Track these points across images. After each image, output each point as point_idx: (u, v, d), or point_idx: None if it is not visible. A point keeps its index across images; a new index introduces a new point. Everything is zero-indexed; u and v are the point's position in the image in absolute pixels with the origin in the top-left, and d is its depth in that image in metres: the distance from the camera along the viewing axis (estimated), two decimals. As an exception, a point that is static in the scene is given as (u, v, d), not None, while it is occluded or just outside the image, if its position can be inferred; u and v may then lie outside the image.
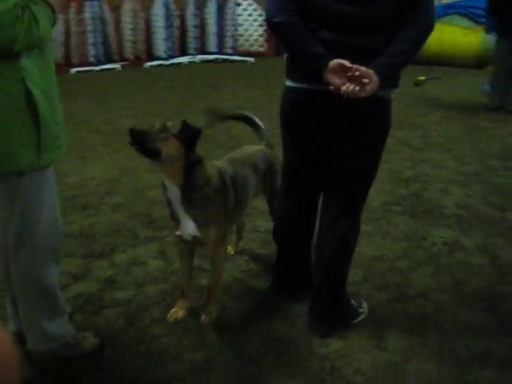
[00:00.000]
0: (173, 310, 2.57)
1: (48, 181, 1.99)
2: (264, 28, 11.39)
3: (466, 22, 10.44)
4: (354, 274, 2.81)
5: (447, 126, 6.30)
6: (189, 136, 2.18)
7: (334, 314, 2.48)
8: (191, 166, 2.22)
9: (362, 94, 1.97)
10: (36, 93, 1.80)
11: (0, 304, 2.63)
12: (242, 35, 11.38)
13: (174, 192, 2.26)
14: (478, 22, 10.41)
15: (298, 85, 2.21)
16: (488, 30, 7.32)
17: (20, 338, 2.24)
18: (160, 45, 10.47)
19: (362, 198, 2.40)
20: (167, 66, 10.34)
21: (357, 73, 1.95)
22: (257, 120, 3.06)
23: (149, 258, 3.13)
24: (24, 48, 1.73)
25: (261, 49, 11.61)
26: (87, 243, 3.29)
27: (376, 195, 3.91)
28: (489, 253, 3.28)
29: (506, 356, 2.36)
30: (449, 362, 2.31)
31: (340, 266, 2.44)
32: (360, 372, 2.23)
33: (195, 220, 2.31)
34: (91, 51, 9.56)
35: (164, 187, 2.30)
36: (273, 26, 2.11)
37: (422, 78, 8.55)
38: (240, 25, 11.19)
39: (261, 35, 11.53)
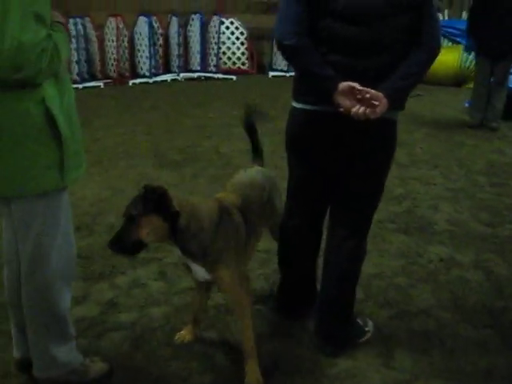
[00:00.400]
0: (181, 332, 2.55)
1: (65, 203, 2.00)
2: (246, 46, 11.49)
3: (445, 42, 10.70)
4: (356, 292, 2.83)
5: (431, 143, 6.42)
6: (156, 201, 1.96)
7: (341, 334, 2.50)
8: (174, 222, 2.01)
9: (372, 116, 2.01)
10: (56, 112, 1.80)
11: (0, 330, 2.60)
12: (224, 53, 11.45)
13: (175, 248, 2.13)
14: (455, 42, 10.70)
15: (307, 106, 2.24)
16: (467, 50, 7.49)
17: (26, 365, 2.21)
18: (144, 63, 10.47)
19: (369, 219, 2.43)
20: (151, 83, 10.35)
21: (367, 95, 1.99)
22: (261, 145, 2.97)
23: (149, 279, 3.11)
24: (45, 79, 1.75)
25: (243, 67, 11.70)
26: (85, 265, 3.26)
27: (370, 213, 3.96)
28: (484, 269, 3.34)
29: (510, 371, 2.40)
30: (455, 379, 2.34)
31: (348, 287, 2.46)
32: (370, 391, 2.25)
33: (203, 266, 2.16)
34: (75, 69, 9.51)
35: None
36: (283, 49, 2.14)
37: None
38: (223, 43, 11.26)
39: (243, 53, 11.62)
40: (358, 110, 2.01)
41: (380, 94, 2.01)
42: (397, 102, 2.12)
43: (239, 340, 2.55)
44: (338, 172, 2.33)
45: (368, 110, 2.00)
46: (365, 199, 2.36)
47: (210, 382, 2.29)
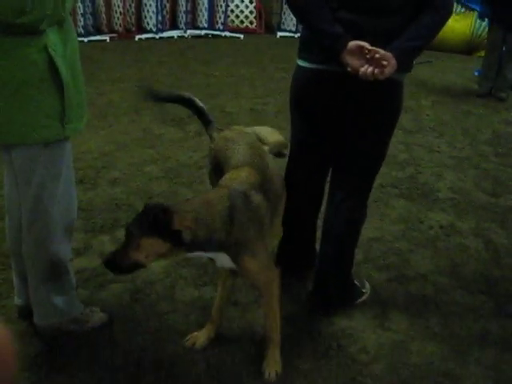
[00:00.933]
0: (194, 333, 2.29)
1: (67, 154, 1.98)
2: (254, 5, 11.29)
3: (458, 8, 10.49)
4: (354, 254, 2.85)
5: (438, 110, 6.35)
6: (154, 223, 1.76)
7: (338, 295, 2.52)
8: (179, 239, 1.80)
9: (381, 77, 1.97)
10: (58, 60, 1.77)
11: (3, 278, 2.63)
12: (232, 11, 11.26)
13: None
14: (469, 9, 10.47)
15: (313, 65, 2.20)
16: (481, 17, 7.35)
17: (27, 313, 2.25)
18: (150, 17, 10.31)
19: (370, 181, 2.42)
20: (157, 39, 10.21)
21: (377, 55, 1.95)
22: (198, 102, 2.54)
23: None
24: (48, 26, 1.73)
25: (251, 26, 11.52)
26: (87, 218, 3.27)
27: (373, 177, 3.95)
28: (483, 237, 3.35)
29: (504, 337, 2.44)
30: (449, 343, 2.38)
31: (347, 249, 2.48)
32: (365, 351, 2.29)
33: (228, 255, 1.94)
34: (80, 22, 9.37)
35: None
36: (293, 4, 2.10)
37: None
38: (231, 1, 11.06)
39: (251, 12, 11.42)
40: (367, 69, 1.97)
41: (389, 54, 1.97)
42: (405, 63, 2.08)
43: (237, 295, 2.59)
44: (342, 132, 2.30)
45: (377, 70, 1.96)
46: (366, 161, 2.34)
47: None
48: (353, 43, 1.98)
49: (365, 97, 2.16)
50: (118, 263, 1.81)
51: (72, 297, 2.24)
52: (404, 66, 2.09)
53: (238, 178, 2.05)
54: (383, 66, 1.96)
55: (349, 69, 2.01)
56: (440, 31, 2.14)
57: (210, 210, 1.87)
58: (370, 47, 1.96)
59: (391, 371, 2.19)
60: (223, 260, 1.96)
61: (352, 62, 1.99)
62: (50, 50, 1.75)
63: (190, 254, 1.91)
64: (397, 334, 2.41)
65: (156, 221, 1.75)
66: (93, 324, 2.29)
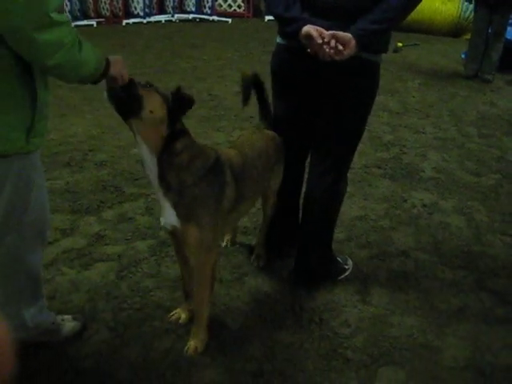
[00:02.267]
0: (178, 309, 2.33)
1: (36, 164, 1.83)
2: (242, -12, 11.24)
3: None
4: (338, 233, 2.90)
5: (425, 92, 6.39)
6: (178, 102, 1.83)
7: (320, 270, 2.57)
8: (173, 138, 1.85)
9: (338, 58, 1.98)
10: (35, 71, 1.61)
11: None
12: (220, -5, 11.21)
13: (152, 168, 1.88)
14: (456, -10, 10.48)
15: (286, 42, 2.24)
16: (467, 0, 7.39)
17: None
18: (137, 2, 10.24)
19: (347, 157, 2.44)
20: (145, 24, 10.15)
21: (332, 42, 1.95)
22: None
23: (136, 214, 3.16)
24: None
25: (239, 10, 11.47)
26: (73, 199, 3.30)
27: (357, 158, 3.98)
28: (465, 215, 3.41)
29: (481, 310, 2.50)
30: (429, 316, 2.44)
31: (326, 222, 2.52)
32: (347, 324, 2.34)
33: (175, 207, 1.93)
34: (67, 6, 9.29)
35: (142, 162, 1.92)
36: None
37: (400, 44, 8.60)
38: (219, -16, 11.01)
39: (239, -4, 11.37)
40: (323, 52, 1.98)
41: (348, 37, 1.96)
42: (368, 45, 2.07)
43: (221, 273, 2.63)
44: (317, 108, 2.33)
45: (332, 52, 1.97)
46: (342, 137, 2.36)
47: (193, 312, 2.36)
48: (305, 29, 1.98)
49: (335, 75, 2.17)
50: (120, 92, 1.77)
51: (42, 307, 2.11)
52: (368, 47, 2.08)
53: (228, 152, 2.20)
54: (337, 48, 1.96)
55: (308, 50, 2.02)
56: (409, 14, 2.12)
57: (202, 151, 1.97)
58: (318, 39, 1.95)
59: (372, 343, 2.25)
60: (169, 213, 1.94)
61: (309, 43, 2.00)
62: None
63: (154, 173, 1.89)
64: (377, 308, 2.46)
65: (185, 101, 1.84)
66: (65, 334, 2.19)
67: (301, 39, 2.01)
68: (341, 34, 1.96)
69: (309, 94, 2.29)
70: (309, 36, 1.98)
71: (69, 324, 2.21)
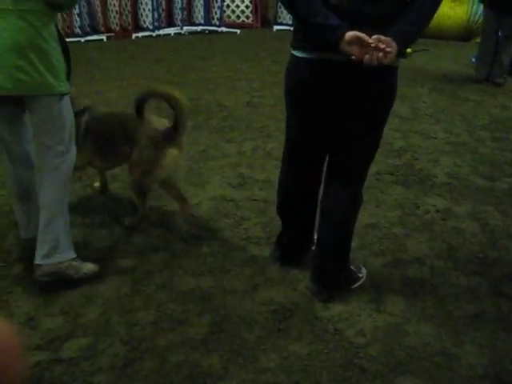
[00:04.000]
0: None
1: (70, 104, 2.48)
2: (250, -1, 11.29)
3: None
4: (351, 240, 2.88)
5: (435, 97, 6.36)
6: None
7: (336, 281, 2.55)
8: None
9: (385, 62, 1.98)
10: (62, 35, 2.37)
11: (3, 274, 2.67)
12: (228, 6, 11.26)
13: None
14: (464, -5, 10.44)
15: (311, 55, 2.18)
16: (481, 1, 7.32)
17: (31, 248, 2.55)
18: (146, 16, 10.33)
19: (365, 168, 2.44)
20: (154, 37, 10.23)
21: (381, 45, 1.95)
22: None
23: (149, 226, 3.16)
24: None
25: (247, 20, 11.51)
26: (85, 213, 3.31)
27: (369, 165, 3.97)
28: (480, 220, 3.38)
29: (498, 316, 2.47)
30: (445, 324, 2.41)
31: (344, 236, 2.50)
32: (362, 334, 2.32)
33: None
34: (76, 22, 9.40)
35: None
36: (283, 3, 2.11)
37: (410, 49, 8.57)
38: (227, -4, 11.07)
39: (247, 6, 11.42)
40: (371, 56, 1.97)
41: (389, 39, 1.97)
42: (405, 47, 2.09)
43: (235, 284, 2.63)
44: (338, 122, 2.32)
45: (380, 55, 1.96)
46: (362, 148, 2.36)
47: (207, 323, 2.36)
48: (350, 34, 1.97)
49: (363, 84, 2.16)
50: None
51: (70, 238, 2.55)
52: (404, 49, 2.11)
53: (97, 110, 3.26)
54: (386, 51, 1.97)
55: (352, 57, 2.00)
56: (433, 17, 2.16)
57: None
58: (369, 40, 1.95)
59: (387, 353, 2.22)
60: None
61: (353, 51, 1.98)
62: (58, 27, 2.36)
63: None
64: (393, 316, 2.44)
65: None
66: (86, 272, 2.57)
67: (343, 46, 1.99)
68: (383, 37, 1.96)
69: (330, 106, 2.26)
70: (357, 40, 1.96)
71: (89, 264, 2.62)
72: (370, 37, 1.96)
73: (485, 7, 6.87)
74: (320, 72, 2.19)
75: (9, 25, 2.15)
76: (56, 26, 2.32)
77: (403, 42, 2.05)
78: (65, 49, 2.38)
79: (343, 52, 2.00)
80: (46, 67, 2.25)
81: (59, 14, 2.47)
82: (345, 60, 2.03)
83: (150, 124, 3.03)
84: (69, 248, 2.53)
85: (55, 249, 2.45)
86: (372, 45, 1.95)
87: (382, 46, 1.95)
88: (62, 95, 2.36)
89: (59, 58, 2.32)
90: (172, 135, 2.94)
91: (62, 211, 2.49)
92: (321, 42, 2.09)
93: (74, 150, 2.52)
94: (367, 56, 1.97)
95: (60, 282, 2.51)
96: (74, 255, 2.55)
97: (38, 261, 2.46)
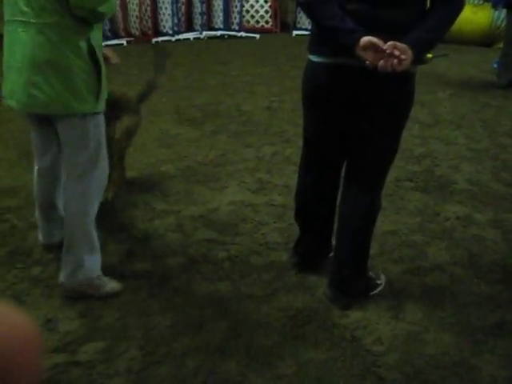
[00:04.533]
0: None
1: (102, 125, 2.39)
2: (269, 4, 11.30)
3: (476, 0, 10.37)
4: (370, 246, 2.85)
5: (456, 103, 6.30)
6: None
7: (355, 287, 2.53)
8: None
9: (399, 69, 1.96)
10: (97, 50, 2.21)
11: (23, 276, 2.69)
12: (248, 11, 11.28)
13: None
14: (487, 0, 10.34)
15: (327, 60, 2.19)
16: (494, 6, 7.24)
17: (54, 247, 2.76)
18: (166, 20, 10.39)
19: (383, 174, 2.42)
20: (173, 42, 10.29)
21: (396, 52, 1.94)
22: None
23: (167, 231, 3.17)
24: (105, 19, 2.25)
25: (266, 25, 11.53)
26: (104, 217, 3.32)
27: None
28: (501, 228, 3.33)
29: (520, 327, 2.42)
30: (465, 333, 2.37)
31: (362, 242, 2.48)
32: (380, 342, 2.29)
33: None
34: (97, 27, 9.49)
35: None
36: (301, 6, 2.11)
37: (430, 55, 8.50)
38: (246, 1, 11.08)
39: (266, 11, 11.44)
40: (386, 62, 1.96)
41: (405, 46, 1.96)
42: (421, 54, 2.07)
43: (253, 289, 2.62)
44: (355, 126, 2.31)
45: (395, 62, 1.96)
46: (380, 154, 2.34)
47: (224, 329, 2.35)
48: (365, 39, 1.96)
49: (379, 89, 2.15)
50: None
51: (98, 258, 2.53)
52: (420, 57, 2.09)
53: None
54: (400, 58, 1.96)
55: (367, 62, 1.99)
56: (453, 24, 2.14)
57: None
58: (383, 46, 1.94)
59: (406, 361, 2.19)
60: None
61: (368, 56, 1.98)
62: (92, 41, 2.18)
63: None
64: (412, 324, 2.41)
65: None
66: (108, 291, 2.53)
67: (358, 51, 1.98)
68: (399, 44, 1.95)
69: (347, 112, 2.26)
70: (372, 45, 1.95)
71: (112, 283, 2.57)
72: (386, 43, 1.95)
73: (508, 12, 6.79)
74: (336, 76, 2.19)
75: (30, 39, 2.11)
76: (88, 42, 2.17)
77: (419, 49, 2.03)
78: (97, 67, 2.22)
79: (358, 57, 2.00)
80: (64, 85, 2.16)
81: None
82: (360, 65, 2.02)
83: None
84: (93, 266, 2.50)
85: (78, 269, 2.46)
86: (387, 51, 1.94)
87: (397, 52, 1.94)
88: (84, 115, 2.26)
89: (85, 76, 2.19)
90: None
91: (85, 231, 2.44)
92: (336, 46, 2.10)
93: (101, 167, 2.42)
94: (382, 62, 1.96)
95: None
96: (98, 273, 2.53)
97: (61, 278, 2.49)
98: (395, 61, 1.95)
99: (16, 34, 2.15)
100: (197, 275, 2.73)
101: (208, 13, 11.12)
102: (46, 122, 2.39)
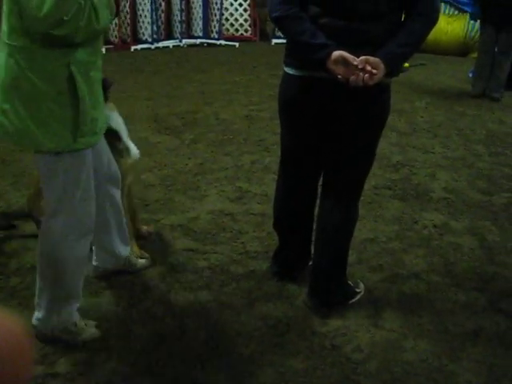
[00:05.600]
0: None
1: (86, 163, 2.07)
2: (249, 13, 11.35)
3: (451, 10, 10.54)
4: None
5: (433, 112, 6.38)
6: None
7: (334, 296, 2.55)
8: None
9: (371, 83, 2.01)
10: (78, 78, 1.88)
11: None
12: (227, 20, 11.32)
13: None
14: (461, 10, 10.51)
15: (300, 72, 2.22)
16: (473, 18, 7.40)
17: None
18: (145, 28, 10.37)
19: (360, 184, 2.45)
20: (153, 49, 10.27)
21: (368, 67, 1.98)
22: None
23: (146, 240, 3.15)
24: (84, 40, 1.84)
25: (246, 34, 11.57)
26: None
27: (367, 179, 3.97)
28: (477, 235, 3.38)
29: (496, 333, 2.46)
30: (443, 340, 2.40)
31: (340, 252, 2.51)
32: (359, 349, 2.31)
33: None
34: (75, 34, 9.42)
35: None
36: (273, 21, 2.16)
37: (407, 64, 8.60)
38: (226, 9, 11.12)
39: (246, 20, 11.48)
40: (357, 77, 2.00)
41: (378, 61, 2.00)
42: (394, 68, 2.11)
43: (232, 299, 2.62)
44: (330, 137, 2.33)
45: (366, 76, 1.99)
46: (356, 164, 2.37)
47: (203, 338, 2.35)
48: (336, 54, 2.00)
49: (353, 101, 2.18)
50: None
51: (75, 305, 2.28)
52: (393, 71, 2.13)
53: None
54: (372, 73, 2.00)
55: (339, 76, 2.03)
56: (426, 37, 2.18)
57: None
58: (354, 61, 1.98)
59: (385, 369, 2.22)
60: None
61: (339, 70, 2.01)
62: (72, 67, 1.86)
63: None
64: (390, 332, 2.43)
65: None
66: (84, 338, 2.28)
67: (329, 66, 2.01)
68: (371, 58, 1.99)
69: (322, 123, 2.29)
70: (343, 60, 1.99)
71: (89, 330, 2.31)
72: (358, 57, 1.98)
73: (482, 22, 6.92)
74: (310, 89, 2.22)
75: (3, 61, 1.88)
76: (68, 68, 1.85)
77: (392, 63, 2.07)
78: (75, 97, 1.90)
79: (329, 71, 2.03)
80: (31, 117, 1.89)
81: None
82: (332, 78, 2.05)
83: None
84: (68, 314, 2.25)
85: (51, 315, 2.22)
86: (359, 66, 1.97)
87: (369, 68, 1.98)
88: (57, 153, 1.96)
89: (57, 108, 1.89)
90: None
91: (57, 278, 2.17)
92: (308, 60, 2.12)
93: (64, 215, 2.09)
94: (353, 77, 1.99)
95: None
96: (74, 320, 2.27)
97: (33, 321, 2.25)
98: (366, 75, 1.98)
99: None
100: (176, 284, 2.72)
101: (187, 21, 11.12)
102: None
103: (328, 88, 2.15)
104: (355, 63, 1.98)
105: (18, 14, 1.77)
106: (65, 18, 1.71)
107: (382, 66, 2.01)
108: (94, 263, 2.66)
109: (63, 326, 2.24)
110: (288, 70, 2.29)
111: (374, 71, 1.99)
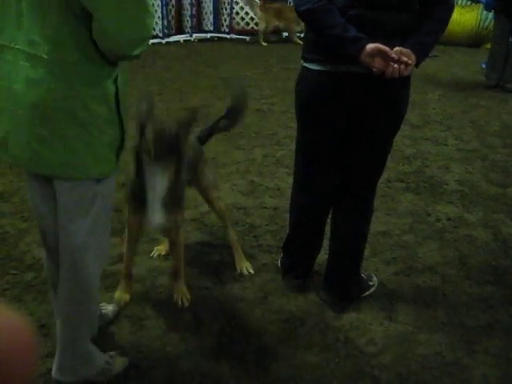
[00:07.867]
0: (119, 292, 2.54)
1: (113, 187, 1.86)
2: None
3: (464, 1, 10.44)
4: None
5: (445, 104, 6.34)
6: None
7: (349, 291, 2.54)
8: None
9: (406, 73, 2.01)
10: (121, 92, 1.67)
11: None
12: (238, 13, 11.29)
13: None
14: (474, 1, 10.41)
15: (326, 67, 2.16)
16: (487, 9, 7.31)
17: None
18: (156, 23, 10.38)
19: (376, 182, 2.45)
20: (163, 44, 10.27)
21: (404, 58, 1.97)
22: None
23: (159, 234, 3.16)
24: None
25: (256, 27, 11.52)
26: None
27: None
28: (492, 228, 3.35)
29: (511, 326, 2.44)
30: (457, 333, 2.39)
31: (356, 246, 2.50)
32: (373, 342, 2.31)
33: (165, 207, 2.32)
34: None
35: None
36: (300, 16, 2.10)
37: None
38: (236, 3, 11.09)
39: (256, 14, 11.44)
40: (394, 68, 1.98)
41: (409, 51, 2.00)
42: (423, 57, 2.09)
43: (246, 293, 2.62)
44: (351, 133, 2.30)
45: (402, 67, 1.98)
46: (375, 159, 2.36)
47: (217, 332, 2.35)
48: (372, 47, 1.97)
49: (382, 93, 2.16)
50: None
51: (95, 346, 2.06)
52: (422, 60, 2.11)
53: None
54: (407, 63, 1.99)
55: (374, 69, 2.01)
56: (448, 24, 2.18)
57: None
58: (392, 53, 1.97)
59: (399, 362, 2.21)
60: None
61: (374, 63, 1.99)
62: (117, 82, 1.65)
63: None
64: (404, 325, 2.42)
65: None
66: (116, 371, 2.10)
67: (364, 59, 1.99)
68: (404, 49, 1.99)
69: (344, 119, 2.24)
70: (379, 52, 1.97)
71: (118, 360, 2.13)
72: (390, 48, 1.97)
73: (496, 13, 6.85)
74: (338, 84, 2.17)
75: (39, 78, 1.54)
76: (115, 83, 1.63)
77: (421, 53, 2.06)
78: (121, 115, 1.68)
79: (364, 64, 2.00)
80: (81, 142, 1.62)
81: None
82: (361, 71, 2.04)
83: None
84: (96, 356, 2.04)
85: (81, 360, 2.00)
86: (395, 58, 1.97)
87: (404, 58, 1.97)
88: (99, 179, 1.71)
89: (109, 128, 1.66)
90: None
91: (88, 315, 1.97)
92: (340, 54, 2.08)
93: (95, 246, 1.83)
94: (390, 68, 1.98)
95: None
96: (101, 361, 2.05)
97: (54, 374, 1.99)
98: (402, 66, 1.98)
99: (15, 68, 1.56)
100: (190, 278, 2.72)
101: (198, 15, 11.12)
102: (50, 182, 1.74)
103: (354, 82, 2.12)
104: (393, 55, 1.97)
105: (87, 31, 1.50)
106: (147, 37, 1.58)
107: (413, 56, 2.01)
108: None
109: (98, 368, 2.03)
110: (310, 66, 2.22)
111: (410, 61, 1.99)
